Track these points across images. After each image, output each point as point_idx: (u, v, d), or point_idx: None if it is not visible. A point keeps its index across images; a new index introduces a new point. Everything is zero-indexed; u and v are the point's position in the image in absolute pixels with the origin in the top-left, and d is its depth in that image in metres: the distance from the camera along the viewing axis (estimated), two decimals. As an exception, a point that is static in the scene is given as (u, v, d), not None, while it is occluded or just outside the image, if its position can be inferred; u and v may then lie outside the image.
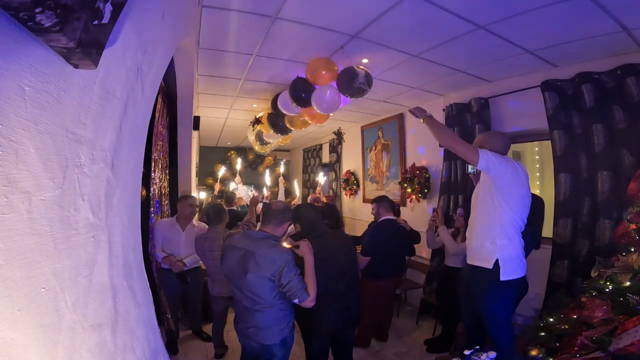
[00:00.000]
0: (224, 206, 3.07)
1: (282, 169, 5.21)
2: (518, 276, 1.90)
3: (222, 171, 5.51)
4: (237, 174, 4.66)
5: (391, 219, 2.91)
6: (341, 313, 1.94)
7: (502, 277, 1.85)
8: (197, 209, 2.95)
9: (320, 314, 1.84)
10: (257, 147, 4.74)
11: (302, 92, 2.84)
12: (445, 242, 2.82)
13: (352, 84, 2.57)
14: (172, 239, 2.77)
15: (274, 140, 4.35)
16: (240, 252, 1.69)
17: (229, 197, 4.68)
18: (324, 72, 2.67)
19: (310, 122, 3.35)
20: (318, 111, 2.90)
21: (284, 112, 3.26)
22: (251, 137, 4.57)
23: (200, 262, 2.84)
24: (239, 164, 4.91)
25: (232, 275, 1.72)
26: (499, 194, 1.88)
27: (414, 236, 2.97)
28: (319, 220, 2.05)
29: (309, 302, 1.62)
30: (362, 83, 2.56)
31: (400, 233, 2.90)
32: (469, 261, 2.06)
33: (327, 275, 1.83)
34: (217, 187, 5.06)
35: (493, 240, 1.89)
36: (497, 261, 1.86)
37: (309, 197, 5.05)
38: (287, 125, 3.62)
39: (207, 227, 2.78)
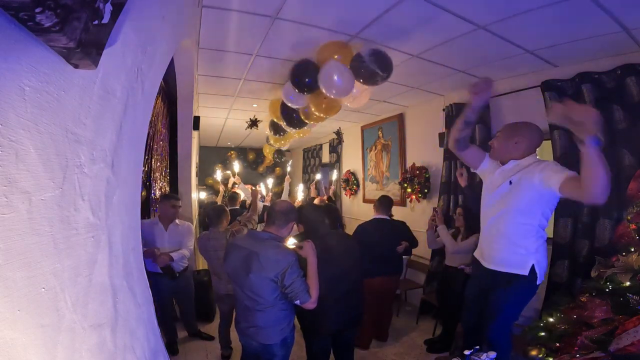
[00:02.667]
0: (227, 206, 3.08)
1: (288, 169, 5.17)
2: (543, 278, 1.84)
3: (218, 174, 5.46)
4: (236, 174, 4.65)
5: (380, 218, 2.95)
6: (342, 313, 1.94)
7: (538, 282, 1.78)
8: (180, 208, 2.94)
9: (321, 315, 1.83)
10: (272, 140, 4.49)
11: (304, 76, 2.53)
12: (444, 241, 2.83)
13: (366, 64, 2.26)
14: (155, 239, 2.69)
15: (292, 130, 3.89)
16: (244, 252, 1.69)
17: (233, 197, 4.68)
18: (336, 57, 2.38)
19: (322, 115, 3.05)
20: (328, 95, 2.55)
21: (290, 104, 3.08)
22: (267, 131, 4.31)
23: (186, 261, 2.85)
24: (236, 166, 4.88)
25: (235, 274, 1.72)
26: (552, 205, 1.76)
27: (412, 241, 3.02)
28: (322, 220, 2.05)
29: (311, 304, 1.62)
30: (374, 64, 2.28)
31: (389, 232, 2.92)
32: (494, 267, 1.91)
33: (328, 276, 1.82)
34: (222, 189, 5.03)
35: (527, 246, 1.78)
36: (533, 267, 1.76)
37: (316, 199, 5.01)
38: (302, 118, 3.28)
39: (189, 224, 2.89)
